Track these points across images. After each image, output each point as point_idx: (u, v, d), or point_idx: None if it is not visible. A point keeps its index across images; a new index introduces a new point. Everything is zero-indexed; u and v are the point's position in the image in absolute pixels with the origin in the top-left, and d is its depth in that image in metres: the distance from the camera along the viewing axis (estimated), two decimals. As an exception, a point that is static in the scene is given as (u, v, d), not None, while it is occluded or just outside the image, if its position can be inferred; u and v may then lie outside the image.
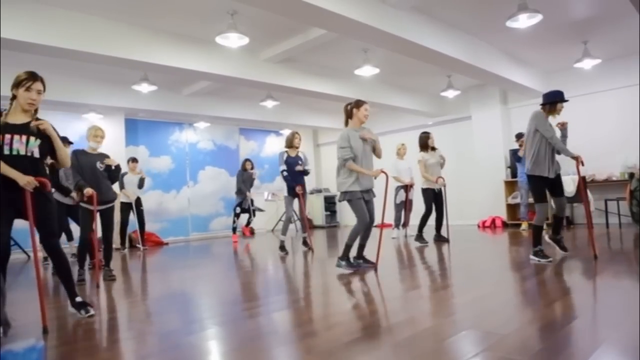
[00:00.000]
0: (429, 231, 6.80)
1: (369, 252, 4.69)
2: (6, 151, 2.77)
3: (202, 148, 10.84)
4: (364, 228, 4.48)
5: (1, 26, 4.57)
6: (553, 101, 4.50)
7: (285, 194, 6.34)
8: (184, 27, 5.81)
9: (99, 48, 5.33)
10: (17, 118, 2.88)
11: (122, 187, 7.86)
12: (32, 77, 2.88)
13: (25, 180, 2.71)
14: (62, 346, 2.52)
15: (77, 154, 4.61)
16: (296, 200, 6.31)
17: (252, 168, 9.20)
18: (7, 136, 2.78)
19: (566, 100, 4.56)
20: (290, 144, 6.37)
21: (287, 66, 7.23)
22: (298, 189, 6.24)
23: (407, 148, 7.85)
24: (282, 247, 6.36)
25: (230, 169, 11.20)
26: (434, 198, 6.66)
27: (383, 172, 4.42)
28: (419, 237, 6.57)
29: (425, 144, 6.76)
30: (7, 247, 2.85)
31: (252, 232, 10.27)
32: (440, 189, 6.68)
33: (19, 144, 2.80)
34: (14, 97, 2.88)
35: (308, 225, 6.75)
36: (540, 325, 2.39)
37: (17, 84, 2.86)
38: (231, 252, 7.30)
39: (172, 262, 6.52)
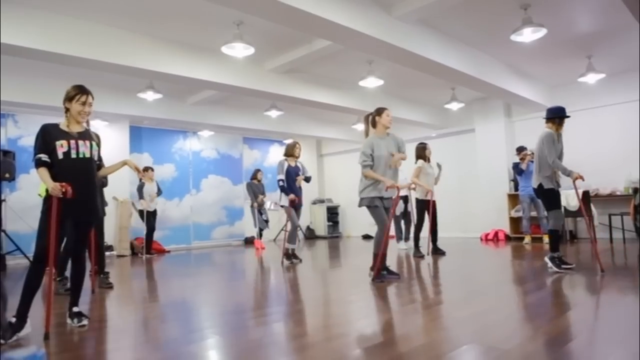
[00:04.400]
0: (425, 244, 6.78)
1: (367, 261, 4.67)
2: (73, 155, 3.00)
3: (206, 156, 10.87)
4: (384, 233, 4.49)
5: (9, 33, 4.64)
6: (561, 115, 4.76)
7: (284, 203, 6.36)
8: (190, 36, 5.86)
9: (106, 56, 5.38)
10: (76, 128, 3.10)
11: (141, 197, 8.12)
12: (85, 91, 3.08)
13: (51, 187, 2.83)
14: (61, 353, 2.51)
15: None
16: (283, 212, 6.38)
17: (260, 179, 9.36)
18: (72, 141, 3.01)
19: (568, 116, 4.82)
20: (291, 153, 6.42)
21: (292, 76, 7.27)
22: (292, 197, 6.29)
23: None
24: (294, 255, 6.39)
25: (234, 177, 11.22)
26: (428, 209, 6.61)
27: (396, 186, 4.54)
28: (416, 249, 6.51)
29: (422, 155, 6.74)
30: (46, 250, 2.84)
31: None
32: (434, 201, 6.61)
33: (85, 148, 3.06)
34: (67, 110, 3.09)
35: (297, 237, 6.81)
36: (543, 341, 2.37)
37: (70, 99, 3.07)
38: (232, 261, 7.29)
39: (173, 270, 6.51)
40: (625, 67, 7.66)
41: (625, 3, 4.41)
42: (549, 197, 4.71)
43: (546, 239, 7.71)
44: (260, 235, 9.34)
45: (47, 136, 2.97)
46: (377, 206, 4.51)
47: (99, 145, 3.20)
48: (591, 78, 7.19)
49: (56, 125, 3.06)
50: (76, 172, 2.98)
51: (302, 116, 10.56)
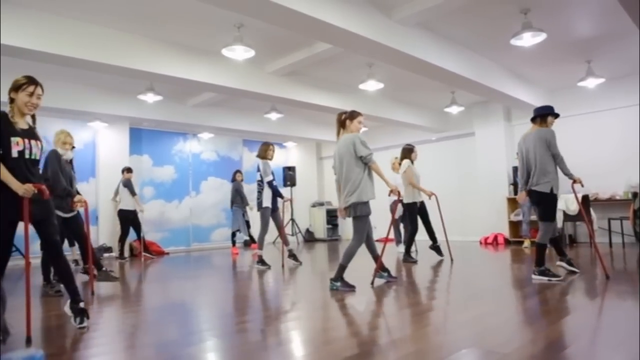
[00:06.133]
0: (424, 246, 6.78)
1: (366, 265, 4.66)
2: (27, 155, 2.84)
3: (206, 159, 10.86)
4: (358, 249, 4.24)
5: (9, 34, 4.64)
6: (544, 113, 4.58)
7: (267, 205, 6.24)
8: (190, 38, 5.87)
9: (106, 57, 5.38)
10: (21, 123, 2.91)
11: (133, 194, 8.05)
12: (33, 82, 2.91)
13: (24, 189, 2.70)
14: (59, 355, 2.51)
15: (59, 157, 4.53)
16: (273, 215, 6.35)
17: (241, 180, 9.25)
18: (26, 140, 2.84)
19: (557, 115, 4.65)
20: (264, 155, 6.40)
21: (292, 79, 7.28)
22: (286, 199, 6.37)
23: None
24: (263, 262, 6.27)
25: (233, 180, 11.21)
26: (419, 211, 6.47)
27: (398, 191, 4.47)
28: (407, 255, 6.38)
29: (408, 157, 6.55)
30: (6, 250, 2.84)
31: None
32: (423, 201, 6.49)
33: (36, 149, 2.91)
34: (12, 101, 2.89)
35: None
36: (542, 345, 2.36)
37: (16, 88, 2.88)
38: (231, 264, 7.28)
39: (172, 272, 6.50)
40: (625, 72, 7.68)
41: (624, 8, 4.42)
42: (548, 205, 4.43)
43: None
44: (234, 241, 9.17)
45: (3, 128, 2.77)
46: (367, 215, 4.20)
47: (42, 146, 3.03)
48: (591, 82, 7.20)
49: (7, 116, 2.83)
50: (28, 173, 2.82)
51: (302, 119, 10.57)
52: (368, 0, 4.93)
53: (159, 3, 4.90)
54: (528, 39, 5.29)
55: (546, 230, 4.43)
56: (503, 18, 5.43)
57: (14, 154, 2.78)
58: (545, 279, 4.35)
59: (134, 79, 6.36)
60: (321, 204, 12.33)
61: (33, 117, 3.00)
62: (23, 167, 2.80)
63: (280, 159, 11.84)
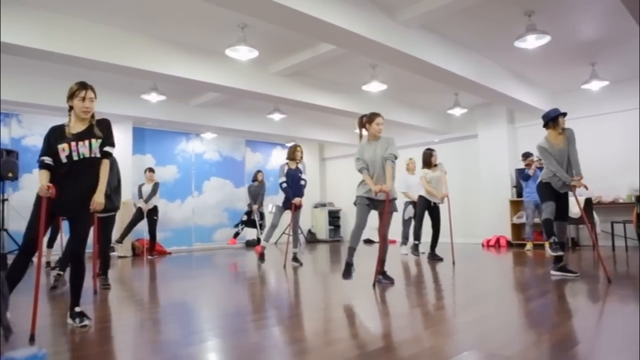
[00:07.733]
0: (424, 248, 6.79)
1: (368, 265, 4.66)
2: (75, 157, 3.02)
3: (208, 158, 10.89)
4: (360, 231, 4.50)
5: (11, 32, 4.65)
6: (554, 117, 4.73)
7: (279, 204, 6.44)
8: (194, 38, 5.88)
9: (110, 57, 5.40)
10: (78, 127, 3.10)
11: (140, 196, 8.20)
12: (84, 86, 3.08)
13: (40, 186, 2.90)
14: (62, 353, 2.51)
15: None
16: (289, 215, 6.38)
17: (261, 180, 9.38)
18: (73, 144, 3.02)
19: (565, 114, 4.79)
20: (292, 156, 6.48)
21: (296, 80, 7.29)
22: (296, 201, 6.29)
23: (416, 163, 7.81)
24: (262, 256, 6.40)
25: (236, 180, 11.23)
26: (430, 211, 6.65)
27: (383, 190, 4.36)
28: (415, 247, 6.52)
29: (428, 161, 6.76)
30: (32, 243, 2.93)
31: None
32: (437, 204, 6.65)
33: (84, 149, 3.05)
34: (71, 109, 3.10)
35: (299, 240, 6.78)
36: (544, 348, 2.35)
37: (71, 96, 3.07)
38: (233, 264, 7.28)
39: (174, 271, 6.51)
40: (628, 75, 7.66)
41: (629, 10, 4.42)
42: (540, 189, 4.81)
43: (547, 245, 7.67)
44: (237, 235, 9.40)
45: (52, 139, 3.03)
46: (364, 204, 4.52)
47: (103, 135, 3.17)
48: (595, 85, 7.18)
49: (62, 127, 3.08)
50: (77, 173, 3.03)
51: (304, 120, 10.58)
52: (372, 1, 4.94)
53: (163, 2, 4.91)
54: (532, 41, 5.29)
55: (544, 208, 4.75)
56: (507, 20, 5.42)
57: (63, 159, 2.99)
58: (558, 274, 4.60)
59: (138, 78, 6.37)
60: (323, 205, 12.33)
61: (92, 116, 3.18)
62: (73, 170, 3.01)
63: (282, 159, 11.83)
